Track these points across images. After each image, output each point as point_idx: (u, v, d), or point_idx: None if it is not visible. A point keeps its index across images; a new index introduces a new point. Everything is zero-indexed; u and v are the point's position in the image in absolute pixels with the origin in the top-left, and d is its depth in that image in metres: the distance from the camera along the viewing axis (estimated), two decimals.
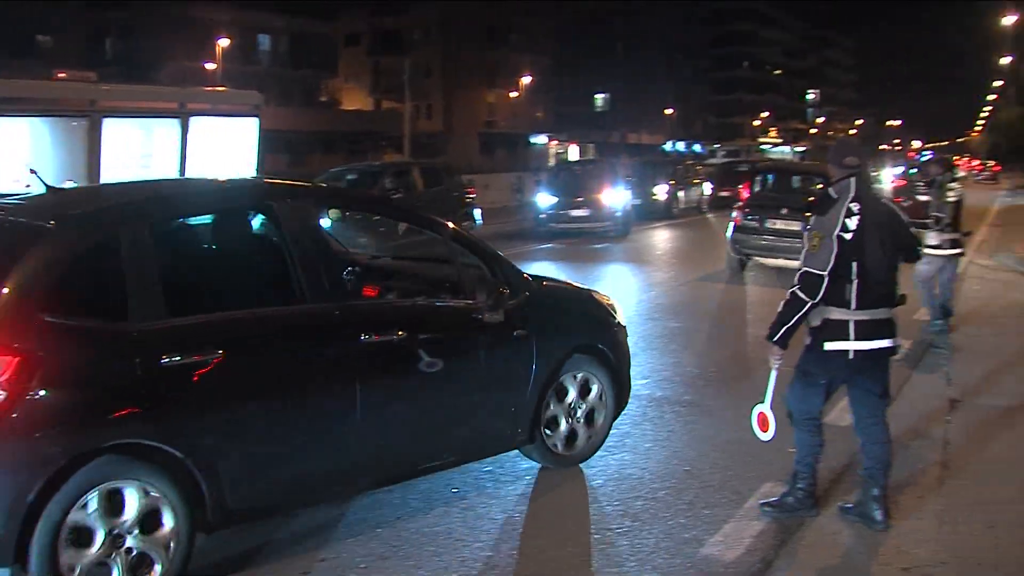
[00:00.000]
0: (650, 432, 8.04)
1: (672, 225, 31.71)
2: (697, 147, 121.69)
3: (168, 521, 4.93)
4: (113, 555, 4.76)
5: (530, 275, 7.03)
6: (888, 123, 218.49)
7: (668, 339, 12.12)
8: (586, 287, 8.02)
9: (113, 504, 4.78)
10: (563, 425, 6.95)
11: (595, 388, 7.11)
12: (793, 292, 5.85)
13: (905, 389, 9.36)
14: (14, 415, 4.50)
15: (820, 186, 14.59)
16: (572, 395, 6.98)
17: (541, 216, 27.36)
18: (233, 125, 18.34)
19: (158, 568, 4.91)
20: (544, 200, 27.73)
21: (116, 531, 4.78)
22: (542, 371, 6.64)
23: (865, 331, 5.84)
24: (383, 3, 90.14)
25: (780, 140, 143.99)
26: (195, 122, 17.20)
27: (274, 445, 5.42)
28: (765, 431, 6.15)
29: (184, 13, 62.50)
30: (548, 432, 6.83)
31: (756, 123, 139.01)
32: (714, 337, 12.21)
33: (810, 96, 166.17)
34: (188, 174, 16.40)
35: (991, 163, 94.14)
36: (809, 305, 5.79)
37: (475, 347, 6.38)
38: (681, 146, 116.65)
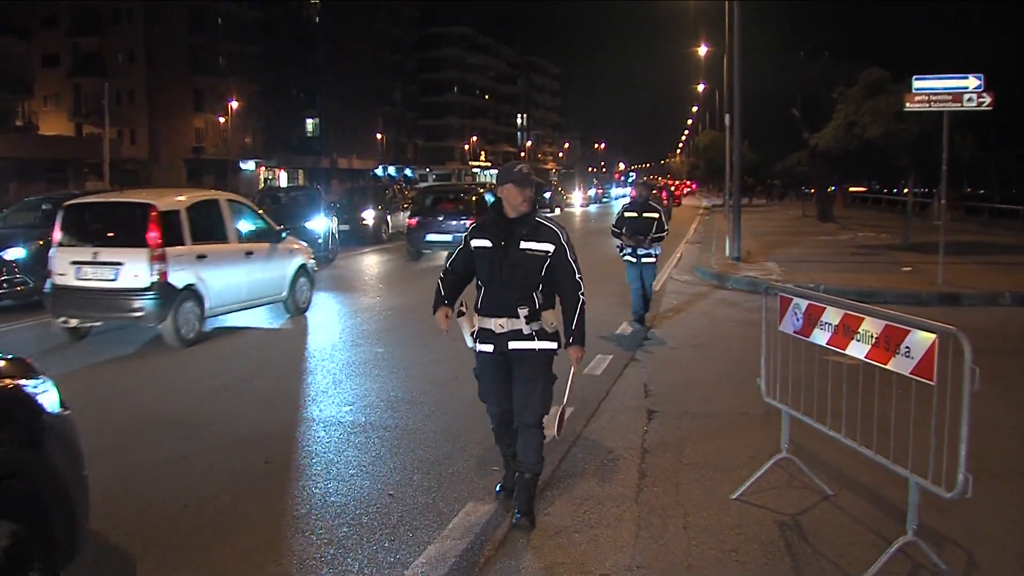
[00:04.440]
0: (354, 458, 7.90)
1: (381, 250, 31.80)
2: (408, 171, 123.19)
3: None
4: None
5: None
6: (594, 146, 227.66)
7: (373, 364, 11.96)
8: None
9: None
10: None
11: None
12: (583, 298, 6.22)
13: (603, 403, 9.73)
14: None
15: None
16: None
17: None
18: None
19: None
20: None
21: None
22: None
23: None
24: (83, 23, 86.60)
25: (490, 163, 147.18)
26: None
27: None
28: (557, 431, 6.43)
29: None
30: None
31: (466, 147, 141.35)
32: (418, 362, 12.09)
33: (518, 120, 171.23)
34: None
35: (689, 183, 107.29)
36: None
37: None
38: (392, 170, 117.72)
